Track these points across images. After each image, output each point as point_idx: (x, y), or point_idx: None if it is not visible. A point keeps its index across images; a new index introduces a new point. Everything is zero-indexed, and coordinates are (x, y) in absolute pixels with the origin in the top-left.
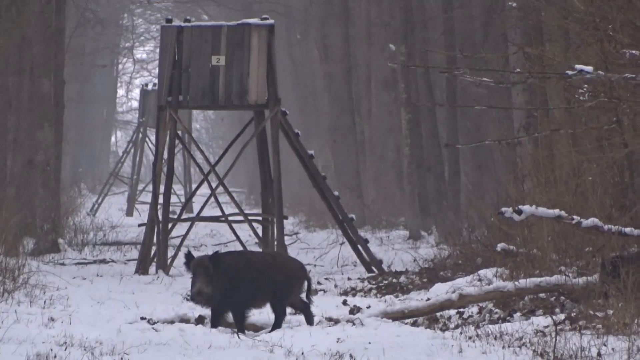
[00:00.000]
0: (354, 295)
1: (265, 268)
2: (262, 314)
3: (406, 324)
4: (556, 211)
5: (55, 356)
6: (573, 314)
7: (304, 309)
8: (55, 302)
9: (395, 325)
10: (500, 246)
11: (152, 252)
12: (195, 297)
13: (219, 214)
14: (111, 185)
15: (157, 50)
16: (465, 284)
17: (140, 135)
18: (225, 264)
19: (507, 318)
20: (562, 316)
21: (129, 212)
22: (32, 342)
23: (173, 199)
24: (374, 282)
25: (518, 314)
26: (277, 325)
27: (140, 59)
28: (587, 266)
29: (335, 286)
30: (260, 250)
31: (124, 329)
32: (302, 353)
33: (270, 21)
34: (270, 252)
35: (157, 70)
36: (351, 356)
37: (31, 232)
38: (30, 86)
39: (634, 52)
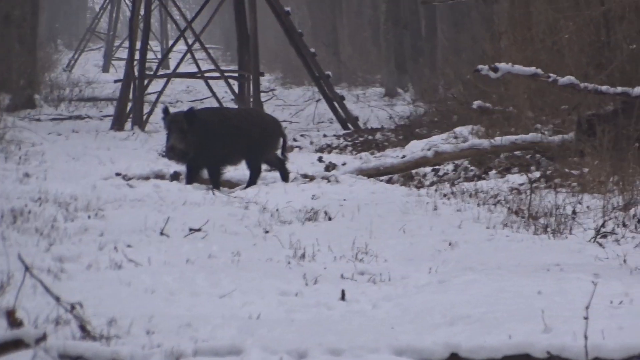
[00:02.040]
0: (329, 152)
1: (240, 124)
2: (237, 171)
3: (381, 181)
4: (532, 69)
5: (29, 212)
6: (548, 172)
7: (279, 166)
8: (30, 158)
9: (370, 182)
10: (476, 103)
11: (128, 108)
12: (169, 152)
13: (195, 70)
14: (88, 41)
15: None
16: (440, 141)
17: None
18: (201, 119)
19: (483, 176)
20: (537, 174)
21: (106, 68)
22: (7, 197)
23: (149, 55)
24: (349, 139)
25: (493, 171)
26: (252, 181)
27: None
28: (563, 124)
29: (311, 143)
30: (236, 106)
31: (99, 185)
32: (277, 209)
33: None
34: (246, 109)
35: None
36: (326, 213)
37: (7, 87)
38: None
39: None
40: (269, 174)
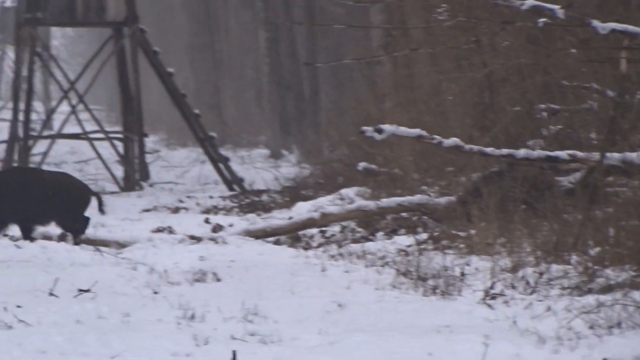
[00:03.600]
0: (215, 213)
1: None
2: (125, 232)
3: (269, 242)
4: (417, 130)
5: None
6: (436, 234)
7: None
8: None
9: (258, 243)
10: (361, 165)
11: None
12: None
13: (80, 131)
14: None
15: None
16: (327, 202)
17: (0, 52)
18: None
19: (370, 237)
20: (424, 235)
21: None
22: None
23: (33, 116)
24: (236, 201)
25: (381, 233)
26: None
27: None
28: (449, 186)
29: (197, 204)
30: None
31: None
32: (165, 270)
33: None
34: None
35: None
36: (214, 274)
37: None
38: None
39: None
40: (155, 235)
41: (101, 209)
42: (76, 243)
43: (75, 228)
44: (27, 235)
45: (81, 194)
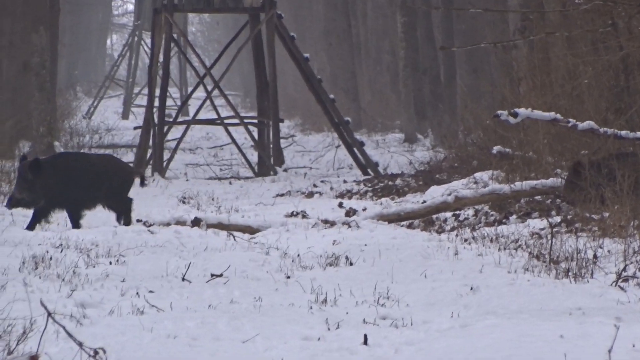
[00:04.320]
0: (349, 198)
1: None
2: (258, 217)
3: (402, 226)
4: (552, 114)
5: (51, 258)
6: (569, 217)
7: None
8: None
9: (391, 227)
10: (496, 149)
11: (148, 155)
12: (8, 202)
13: (215, 117)
14: (107, 89)
15: None
16: (461, 186)
17: (136, 38)
18: (53, 166)
19: (503, 220)
20: (557, 219)
21: (125, 115)
22: (28, 244)
23: (169, 102)
24: (369, 185)
25: (514, 216)
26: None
27: None
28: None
29: (331, 189)
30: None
31: (120, 231)
32: (298, 255)
33: None
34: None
35: None
36: (347, 258)
37: (27, 135)
38: None
39: None
40: (289, 220)
41: (143, 184)
42: (126, 224)
43: (121, 209)
44: (77, 221)
45: (126, 175)
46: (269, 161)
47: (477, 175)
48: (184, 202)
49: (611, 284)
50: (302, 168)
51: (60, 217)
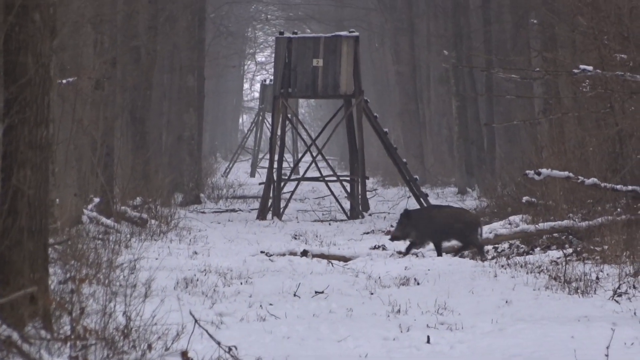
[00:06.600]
0: None
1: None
2: (350, 249)
3: (455, 256)
4: (566, 173)
5: (197, 279)
6: (578, 249)
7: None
8: (197, 240)
9: (447, 257)
10: (525, 199)
11: (269, 204)
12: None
13: (318, 175)
14: (239, 155)
15: (273, 55)
16: (499, 226)
17: (260, 117)
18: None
19: (530, 252)
20: (570, 250)
21: (252, 174)
22: (180, 269)
23: (284, 164)
24: None
25: (538, 248)
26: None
27: (260, 61)
28: (588, 213)
29: None
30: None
31: (248, 260)
32: (379, 277)
33: (356, 33)
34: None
35: (273, 70)
36: (415, 279)
37: (180, 189)
38: (179, 81)
39: (623, 55)
40: (373, 251)
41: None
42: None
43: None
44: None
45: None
46: (358, 208)
47: (511, 218)
48: (295, 238)
49: (609, 298)
50: (382, 213)
51: (204, 249)
